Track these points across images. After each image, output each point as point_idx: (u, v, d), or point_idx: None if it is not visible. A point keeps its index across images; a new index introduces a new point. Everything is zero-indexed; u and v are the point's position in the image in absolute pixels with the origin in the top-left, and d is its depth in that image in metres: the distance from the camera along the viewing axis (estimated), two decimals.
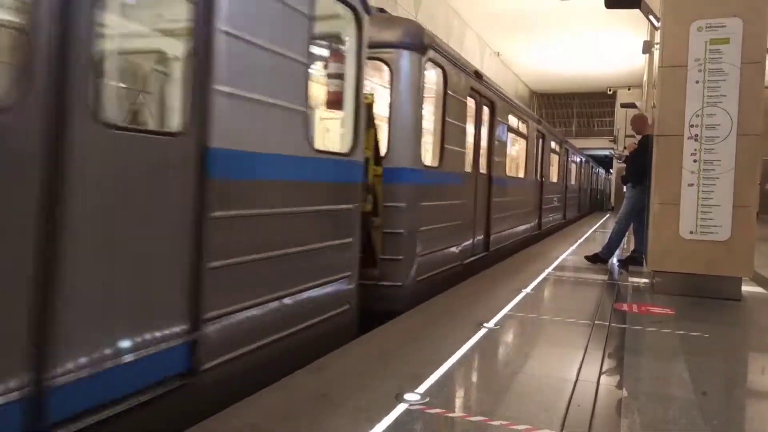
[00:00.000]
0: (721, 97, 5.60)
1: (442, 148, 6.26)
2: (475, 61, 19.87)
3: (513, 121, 9.69)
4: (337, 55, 4.17)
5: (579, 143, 25.06)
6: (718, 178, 5.63)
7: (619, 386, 3.22)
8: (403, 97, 5.31)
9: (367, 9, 4.25)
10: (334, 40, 4.23)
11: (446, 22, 17.59)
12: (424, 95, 5.65)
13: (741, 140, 5.55)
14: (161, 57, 3.96)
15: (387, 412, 2.65)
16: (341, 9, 4.02)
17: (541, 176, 12.61)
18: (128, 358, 2.30)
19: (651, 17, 8.45)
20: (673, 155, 5.78)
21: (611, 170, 33.56)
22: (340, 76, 4.12)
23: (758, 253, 5.99)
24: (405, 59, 5.28)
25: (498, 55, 23.73)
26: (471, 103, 7.34)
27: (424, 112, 5.67)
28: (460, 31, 18.95)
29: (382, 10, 5.89)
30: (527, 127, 10.83)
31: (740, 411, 3.04)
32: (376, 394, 2.90)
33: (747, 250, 5.61)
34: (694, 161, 5.70)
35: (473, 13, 18.64)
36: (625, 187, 8.08)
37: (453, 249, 6.77)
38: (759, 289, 6.38)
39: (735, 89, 5.55)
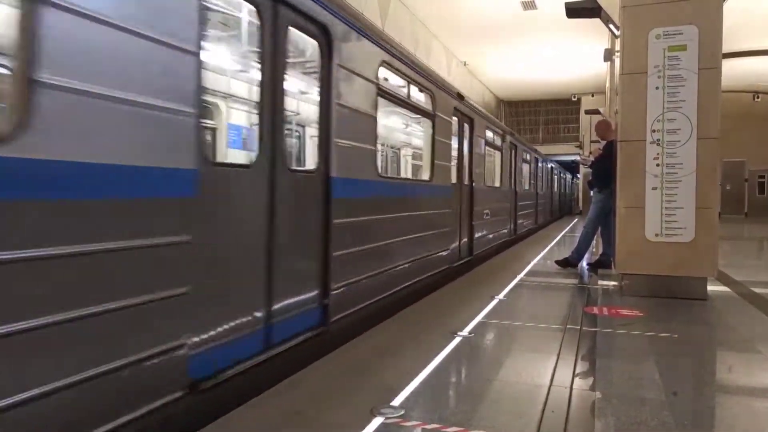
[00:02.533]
0: (681, 102, 5.76)
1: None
2: (443, 70, 20.06)
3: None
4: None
5: (546, 149, 25.45)
6: (680, 180, 5.77)
7: (592, 390, 3.25)
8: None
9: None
10: None
11: (413, 32, 17.72)
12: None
13: (701, 143, 5.70)
14: None
15: (363, 427, 2.62)
16: None
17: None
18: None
19: (611, 26, 8.66)
20: (636, 159, 5.91)
21: (578, 175, 34.15)
22: None
23: (721, 252, 6.15)
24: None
25: (465, 64, 23.99)
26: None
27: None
28: (427, 42, 19.11)
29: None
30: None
31: (710, 410, 3.09)
32: (352, 409, 2.86)
33: (711, 251, 5.75)
34: (657, 165, 5.84)
35: (440, 24, 18.81)
36: (591, 192, 8.21)
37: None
38: (724, 288, 6.54)
39: (693, 94, 5.71)
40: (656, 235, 5.84)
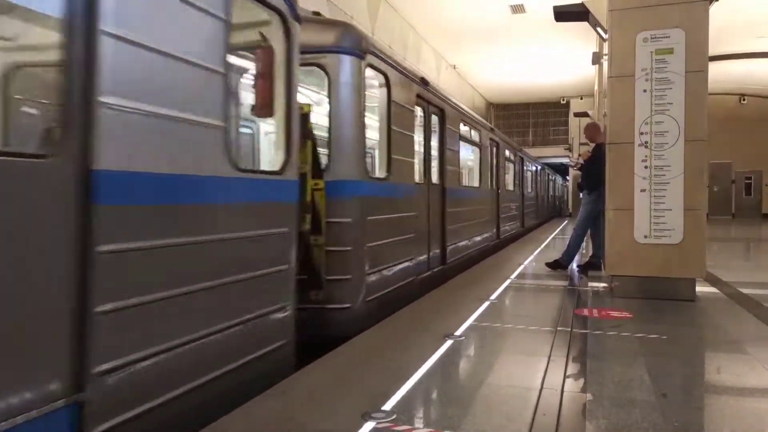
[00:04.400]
0: (668, 105, 5.80)
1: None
2: (432, 73, 20.11)
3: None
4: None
5: (536, 152, 25.59)
6: (668, 183, 5.81)
7: (583, 392, 3.26)
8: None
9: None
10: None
11: (402, 36, 17.77)
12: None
13: (688, 146, 5.75)
14: None
15: None
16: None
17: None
18: None
19: (599, 29, 8.73)
20: (625, 162, 5.95)
21: (567, 177, 34.34)
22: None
23: (709, 253, 6.19)
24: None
25: (455, 68, 24.08)
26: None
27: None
28: (416, 45, 19.16)
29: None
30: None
31: (699, 411, 3.11)
32: (343, 414, 2.85)
33: (699, 252, 5.80)
34: (645, 167, 5.88)
35: (429, 27, 18.87)
36: (581, 194, 8.26)
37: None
38: (712, 289, 6.59)
39: (681, 97, 5.76)
40: (645, 236, 5.88)
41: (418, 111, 7.06)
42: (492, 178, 11.82)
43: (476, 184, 10.63)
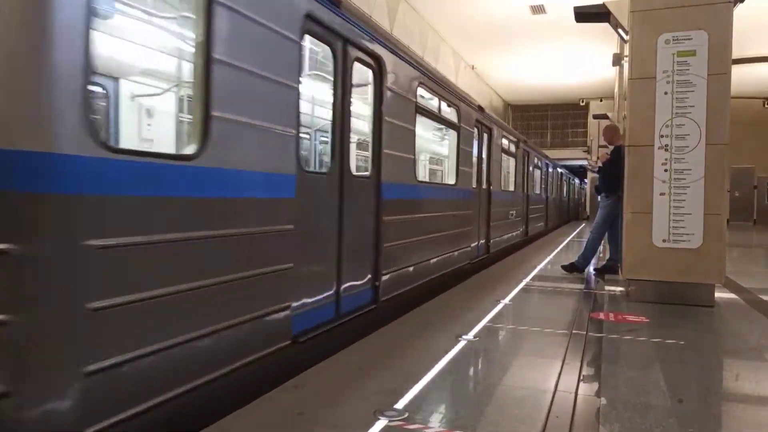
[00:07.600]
0: (690, 108, 5.73)
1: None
2: (450, 73, 20.05)
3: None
4: None
5: (554, 154, 25.36)
6: (688, 186, 5.74)
7: (597, 396, 3.24)
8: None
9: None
10: None
11: (421, 35, 17.73)
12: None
13: (710, 149, 5.67)
14: None
15: (366, 430, 2.62)
16: None
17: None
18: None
19: (620, 30, 8.63)
20: (644, 165, 5.88)
21: (585, 180, 34.01)
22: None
23: (729, 259, 6.10)
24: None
25: (473, 68, 23.96)
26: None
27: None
28: (435, 45, 19.11)
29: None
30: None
31: (715, 417, 3.07)
32: (355, 411, 2.86)
33: (718, 257, 5.71)
34: (665, 171, 5.81)
35: (448, 27, 18.80)
36: (599, 197, 8.19)
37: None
38: (731, 295, 6.49)
39: (703, 100, 5.68)
40: (663, 240, 5.81)
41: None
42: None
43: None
